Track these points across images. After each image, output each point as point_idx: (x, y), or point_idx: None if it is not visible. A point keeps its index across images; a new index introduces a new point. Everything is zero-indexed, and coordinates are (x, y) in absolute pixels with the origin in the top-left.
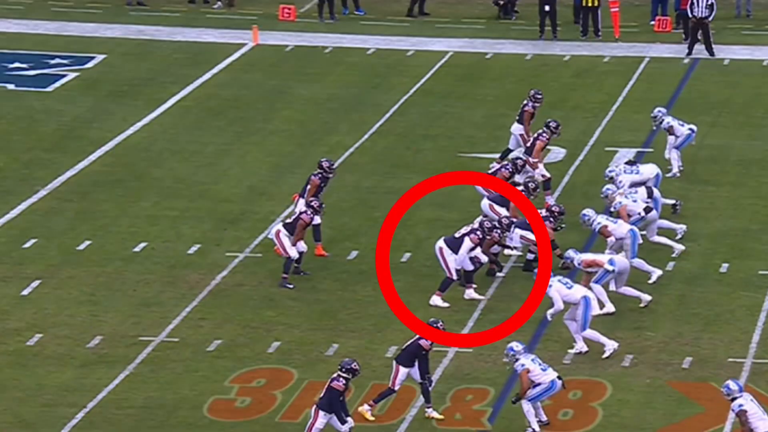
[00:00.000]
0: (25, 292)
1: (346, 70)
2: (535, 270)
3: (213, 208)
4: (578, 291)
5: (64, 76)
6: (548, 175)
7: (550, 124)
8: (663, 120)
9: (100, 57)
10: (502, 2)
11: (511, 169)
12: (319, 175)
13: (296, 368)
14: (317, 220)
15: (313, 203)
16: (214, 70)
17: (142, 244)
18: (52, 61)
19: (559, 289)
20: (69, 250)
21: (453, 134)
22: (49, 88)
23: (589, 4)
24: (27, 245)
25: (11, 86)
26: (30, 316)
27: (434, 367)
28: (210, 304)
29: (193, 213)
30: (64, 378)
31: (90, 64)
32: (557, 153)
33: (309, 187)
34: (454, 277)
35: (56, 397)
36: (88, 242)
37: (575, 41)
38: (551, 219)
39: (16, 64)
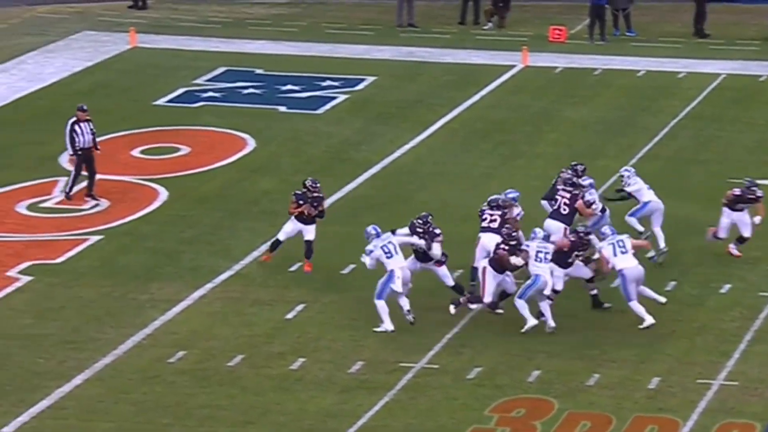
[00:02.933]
0: (289, 316)
1: (615, 93)
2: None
3: (478, 232)
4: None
5: (334, 98)
6: None
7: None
8: None
9: (371, 79)
10: None
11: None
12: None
13: (556, 398)
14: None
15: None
16: (483, 92)
17: None
18: (324, 83)
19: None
20: (333, 273)
21: (723, 159)
22: (320, 111)
23: None
24: (292, 269)
25: (282, 108)
26: (293, 340)
27: (697, 400)
28: (470, 330)
29: (457, 237)
30: (325, 403)
31: (360, 86)
32: None
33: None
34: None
35: (317, 422)
36: (352, 266)
37: None
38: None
39: (289, 86)
